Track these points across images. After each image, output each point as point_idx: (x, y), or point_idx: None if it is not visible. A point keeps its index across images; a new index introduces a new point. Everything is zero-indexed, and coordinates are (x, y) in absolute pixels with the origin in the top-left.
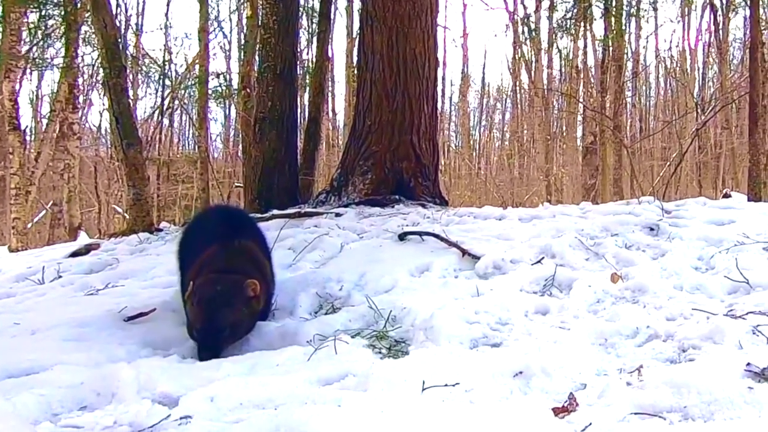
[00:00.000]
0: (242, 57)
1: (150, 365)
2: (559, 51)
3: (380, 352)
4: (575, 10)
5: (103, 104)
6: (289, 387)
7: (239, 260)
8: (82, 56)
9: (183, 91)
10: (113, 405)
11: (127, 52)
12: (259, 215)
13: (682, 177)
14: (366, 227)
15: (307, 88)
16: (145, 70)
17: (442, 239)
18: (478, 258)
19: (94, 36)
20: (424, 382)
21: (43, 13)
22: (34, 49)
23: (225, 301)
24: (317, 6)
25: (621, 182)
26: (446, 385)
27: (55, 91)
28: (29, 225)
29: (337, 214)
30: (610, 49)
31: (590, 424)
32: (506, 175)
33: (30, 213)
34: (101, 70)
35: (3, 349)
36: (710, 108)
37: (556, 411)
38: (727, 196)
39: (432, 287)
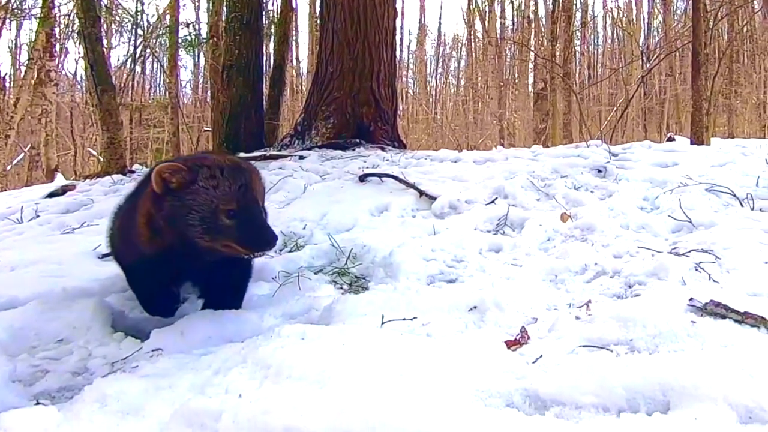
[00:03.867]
0: (211, 7)
1: (123, 300)
2: (512, 2)
3: (342, 288)
4: None
5: (79, 52)
6: (256, 321)
7: None
8: (58, 7)
9: (154, 40)
10: (88, 337)
11: (102, 2)
12: None
13: (628, 122)
14: (328, 169)
15: (272, 37)
16: (118, 20)
17: (400, 180)
18: (435, 198)
19: None
20: (383, 317)
21: None
22: None
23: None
24: None
25: (570, 127)
26: (404, 319)
27: (32, 40)
28: (8, 167)
29: (301, 157)
30: None
31: (541, 356)
32: (461, 120)
33: (9, 156)
34: (77, 20)
35: None
36: (655, 56)
37: (509, 344)
38: (671, 139)
39: (391, 226)
